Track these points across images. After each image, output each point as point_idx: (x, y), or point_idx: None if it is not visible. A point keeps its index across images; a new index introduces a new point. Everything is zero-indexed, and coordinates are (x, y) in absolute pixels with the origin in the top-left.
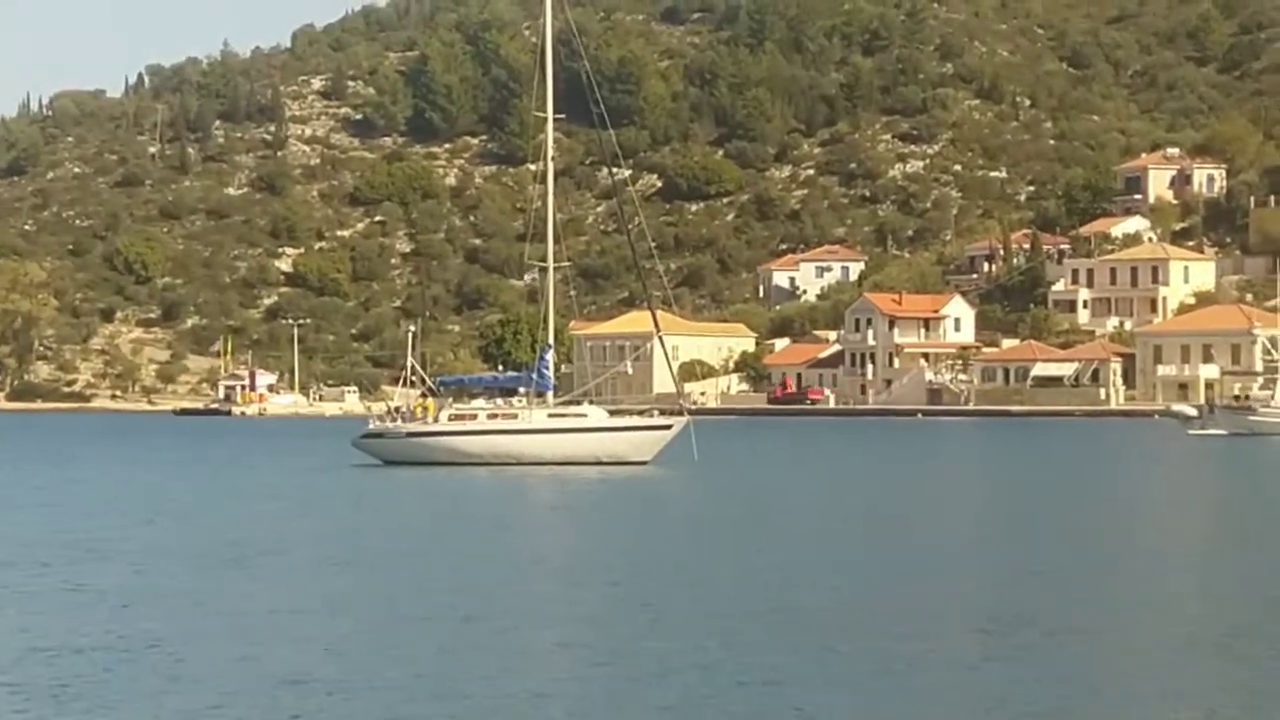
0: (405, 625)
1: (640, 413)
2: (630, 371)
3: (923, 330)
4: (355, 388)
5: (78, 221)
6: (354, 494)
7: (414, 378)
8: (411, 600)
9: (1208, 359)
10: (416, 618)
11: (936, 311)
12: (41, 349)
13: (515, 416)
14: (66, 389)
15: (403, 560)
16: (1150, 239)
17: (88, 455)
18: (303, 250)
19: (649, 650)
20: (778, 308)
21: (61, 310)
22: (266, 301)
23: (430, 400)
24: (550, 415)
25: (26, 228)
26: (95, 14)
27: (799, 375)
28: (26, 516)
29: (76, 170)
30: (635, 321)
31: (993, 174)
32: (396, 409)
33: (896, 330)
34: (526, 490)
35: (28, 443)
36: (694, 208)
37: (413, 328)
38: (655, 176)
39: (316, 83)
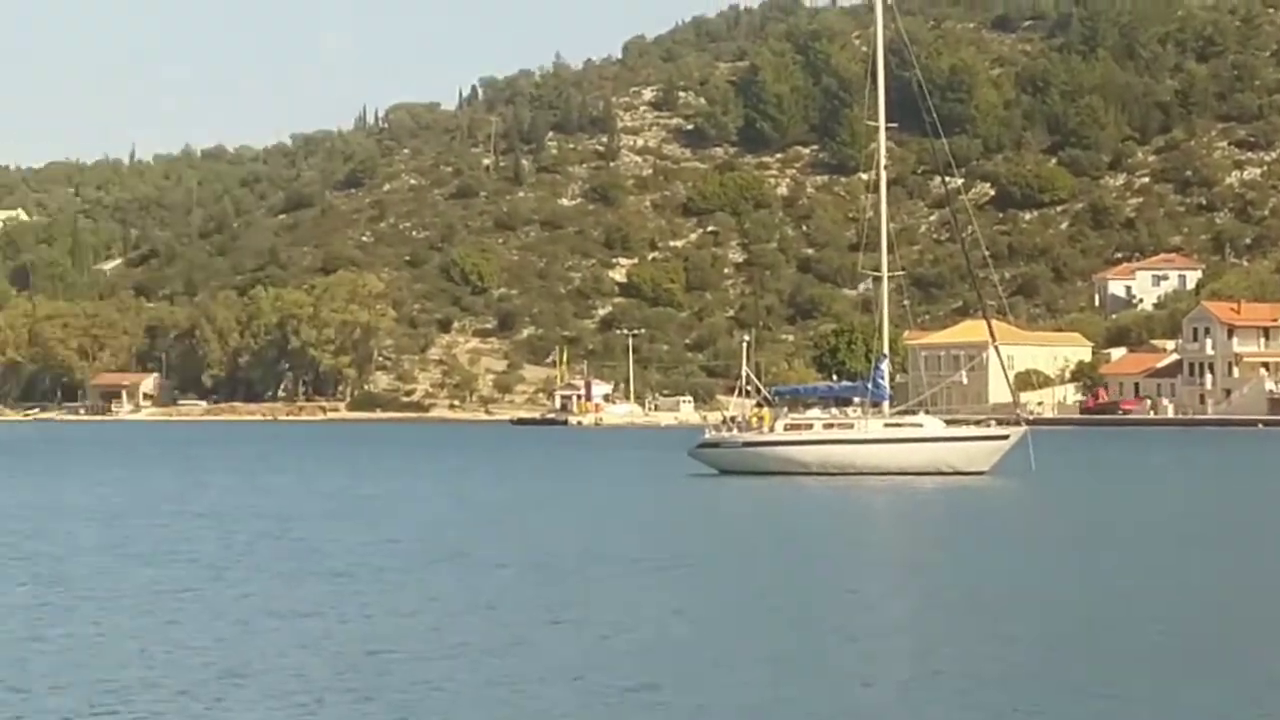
0: (751, 636)
1: (976, 423)
2: (965, 381)
3: (1262, 339)
4: (689, 397)
5: (414, 233)
6: (690, 503)
7: (749, 387)
8: (750, 607)
9: None
10: (763, 627)
11: (1276, 320)
12: (380, 359)
13: (851, 426)
14: (405, 399)
15: (741, 569)
16: None
17: (428, 465)
18: (636, 260)
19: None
20: (1113, 317)
21: (399, 321)
22: (601, 311)
23: (766, 410)
24: (886, 425)
25: (364, 239)
26: (430, 28)
27: (1136, 385)
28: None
29: (412, 182)
30: (970, 331)
31: None
32: (732, 419)
33: (1235, 339)
34: (864, 501)
35: (369, 454)
36: (1027, 216)
37: (747, 337)
38: (988, 185)
39: (648, 93)
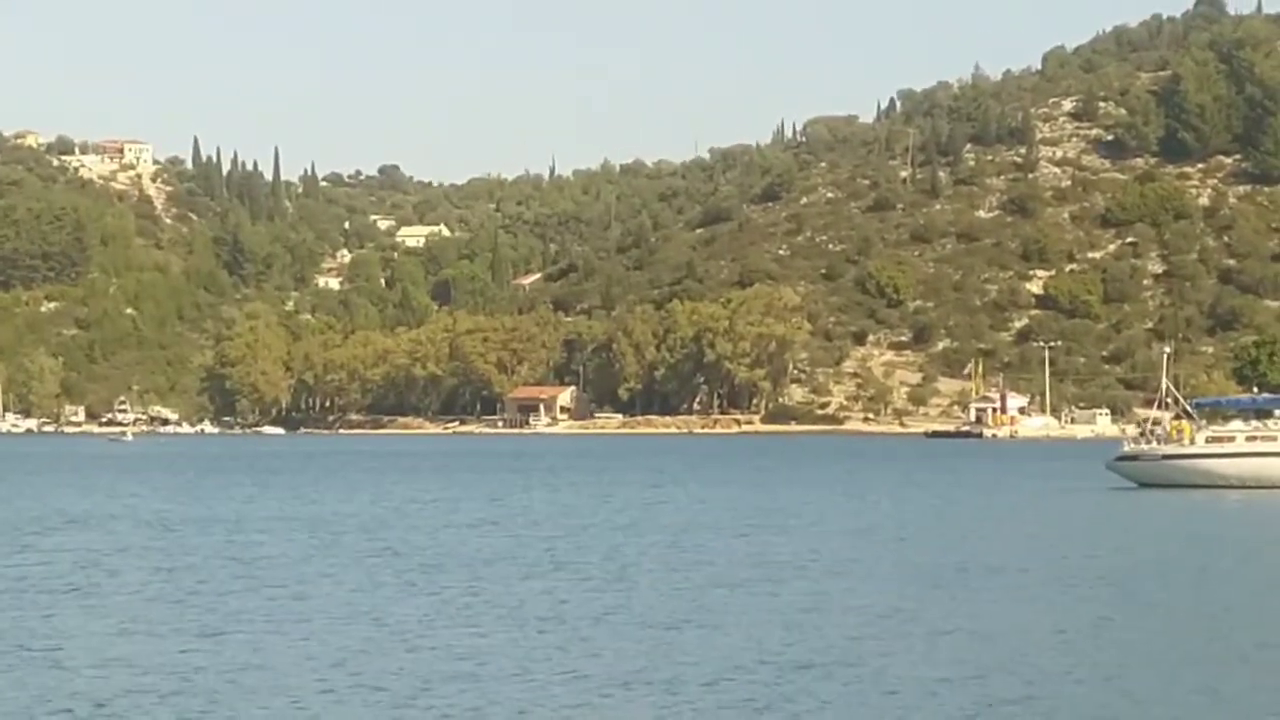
0: (1170, 656)
1: None
2: None
3: None
4: (1106, 410)
5: (830, 246)
6: (1107, 516)
7: (1168, 400)
8: (1169, 628)
9: None
10: (1188, 652)
11: None
12: (795, 372)
13: (1276, 439)
14: (819, 411)
15: (1158, 585)
16: None
17: (837, 476)
18: (1053, 272)
19: None
20: None
21: (814, 334)
22: (1017, 324)
23: (1186, 423)
24: None
25: (780, 253)
26: (848, 41)
27: None
28: (779, 538)
29: (829, 195)
30: None
31: None
32: (1150, 431)
33: None
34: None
35: (785, 465)
36: None
37: (1167, 349)
38: None
39: (1067, 104)
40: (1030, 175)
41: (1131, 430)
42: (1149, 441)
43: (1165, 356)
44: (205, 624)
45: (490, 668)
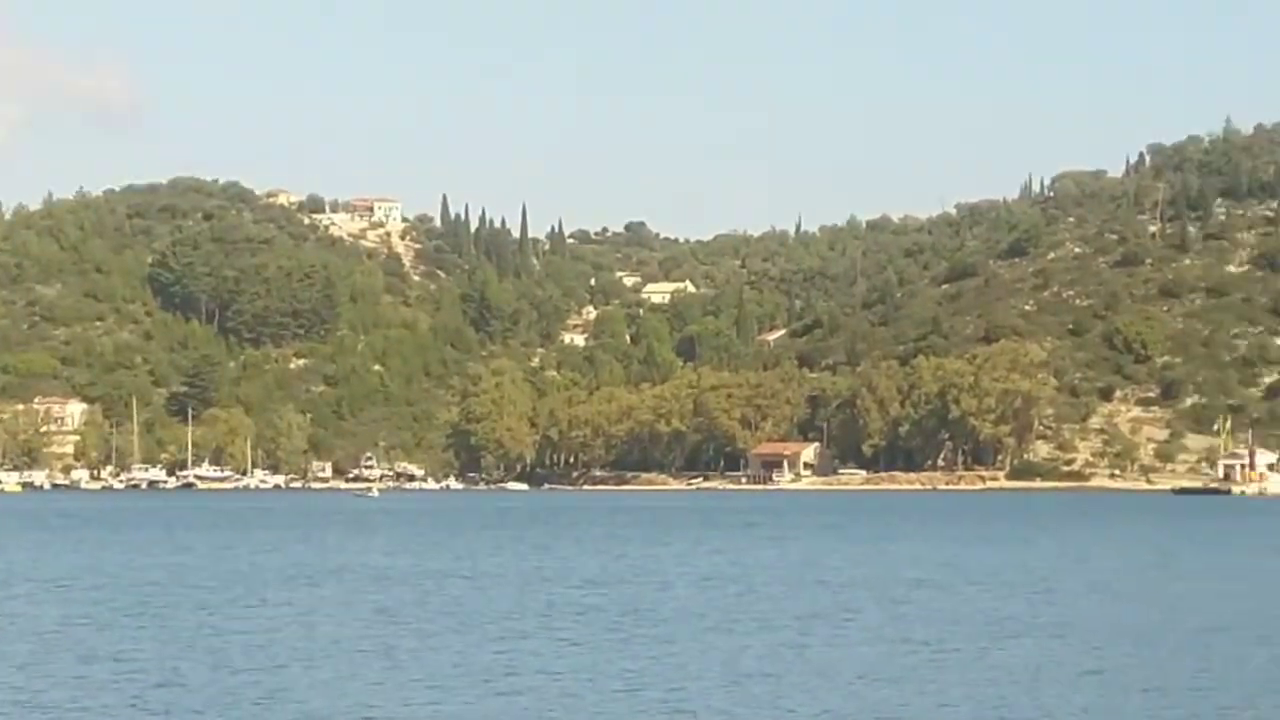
0: None
1: None
2: None
3: None
4: None
5: (1077, 301)
6: None
7: None
8: None
9: None
10: None
11: None
12: (1041, 428)
13: None
14: (1065, 468)
15: None
16: None
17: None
18: None
19: None
20: None
21: (1060, 389)
22: (1267, 379)
23: None
24: None
25: (1026, 308)
26: (1098, 96)
27: None
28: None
29: (1076, 250)
30: None
31: None
32: None
33: None
34: None
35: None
36: None
37: None
38: None
39: None
40: None
41: None
42: None
43: None
44: None
45: None
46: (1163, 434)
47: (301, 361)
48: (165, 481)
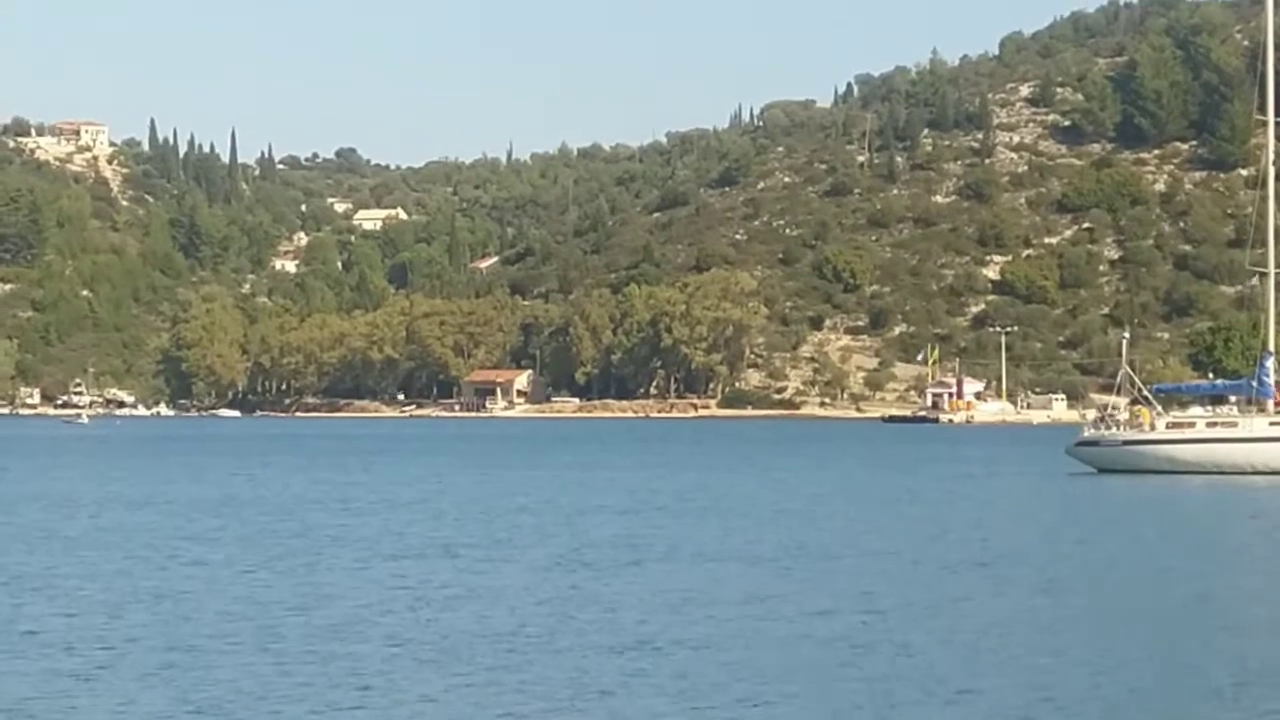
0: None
1: None
2: None
3: None
4: (1062, 395)
5: (787, 230)
6: (1064, 501)
7: (1126, 385)
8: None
9: None
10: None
11: None
12: (752, 356)
13: (1235, 425)
14: (776, 396)
15: (1127, 574)
16: None
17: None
18: (1010, 258)
19: None
20: None
21: (771, 318)
22: (974, 309)
23: (1145, 408)
24: (1272, 423)
25: (737, 237)
26: (806, 27)
27: None
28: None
29: (786, 180)
30: None
31: None
32: (1109, 417)
33: None
34: (1253, 500)
35: (742, 450)
36: None
37: (1125, 335)
38: None
39: (1024, 90)
40: (987, 160)
41: (1091, 415)
42: (1108, 427)
43: (1124, 342)
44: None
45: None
46: (872, 362)
47: (8, 287)
48: None
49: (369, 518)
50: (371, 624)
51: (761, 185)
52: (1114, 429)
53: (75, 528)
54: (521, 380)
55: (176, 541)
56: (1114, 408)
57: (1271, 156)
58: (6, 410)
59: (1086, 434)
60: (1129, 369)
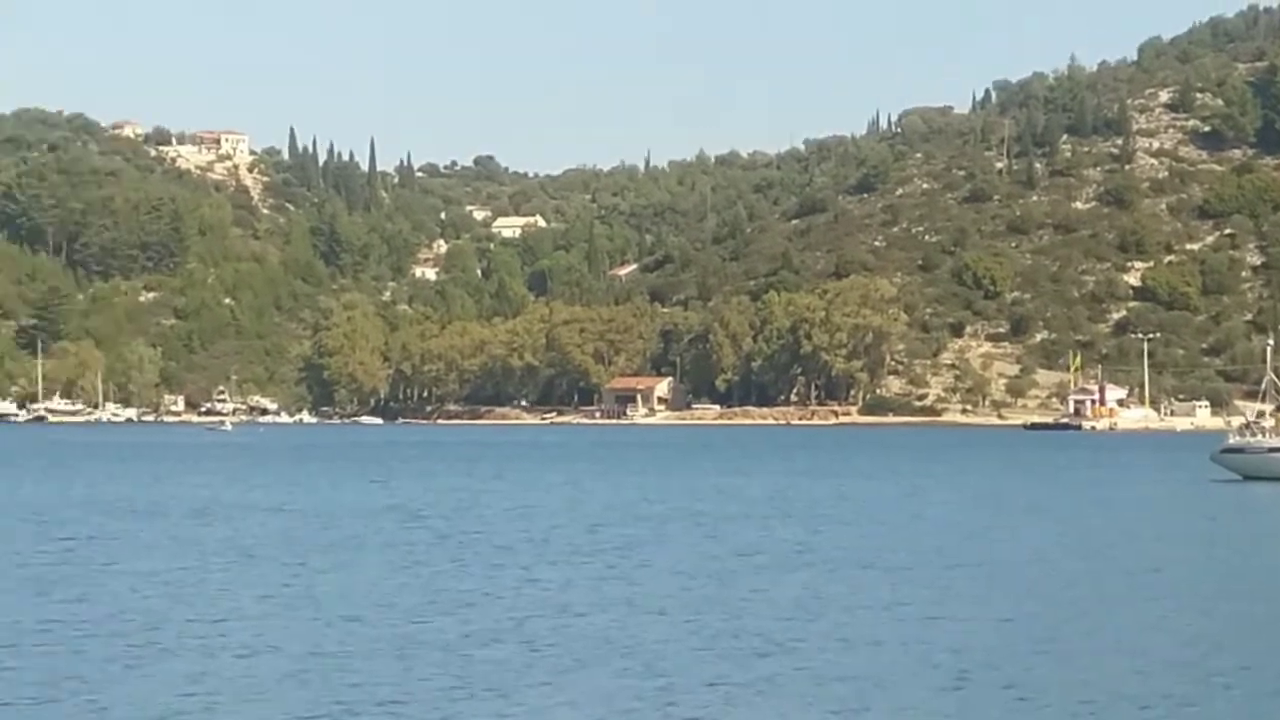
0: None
1: None
2: None
3: None
4: (1205, 402)
5: (926, 237)
6: (1213, 509)
7: (1272, 392)
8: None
9: None
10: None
11: None
12: (892, 363)
13: None
14: (917, 403)
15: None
16: None
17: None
18: (1151, 264)
19: None
20: None
21: (911, 325)
22: (1115, 316)
23: None
24: None
25: (876, 244)
26: (944, 33)
27: None
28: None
29: (925, 186)
30: None
31: None
32: (1254, 424)
33: None
34: None
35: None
36: None
37: (1269, 341)
38: None
39: (1164, 95)
40: (1127, 166)
41: (1236, 423)
42: (1254, 434)
43: (1268, 349)
44: None
45: None
46: (1013, 369)
47: (151, 294)
48: (16, 415)
49: (508, 523)
50: (510, 629)
51: (900, 191)
52: (1260, 436)
53: (216, 534)
54: (662, 387)
55: (315, 550)
56: (1259, 415)
57: None
58: (151, 418)
59: (1232, 441)
60: (1274, 376)
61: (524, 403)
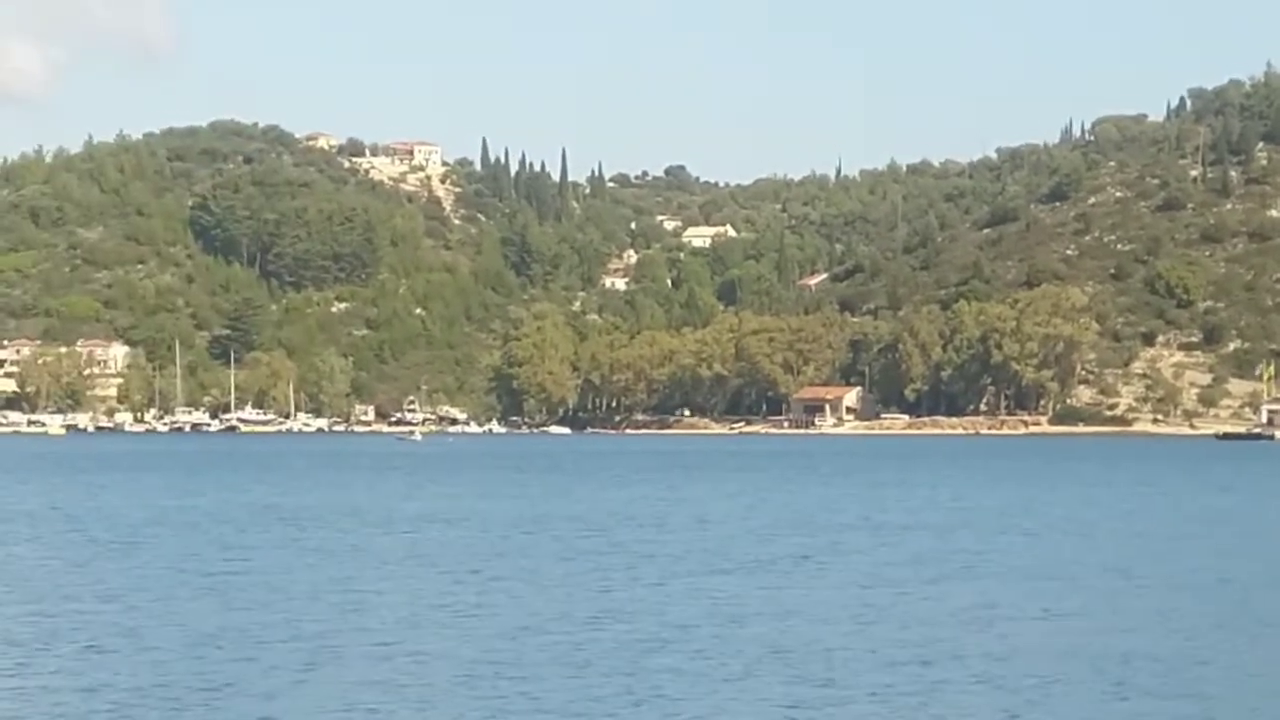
0: None
1: None
2: None
3: None
4: None
5: (1119, 246)
6: None
7: None
8: None
9: None
10: None
11: None
12: (1083, 373)
13: None
14: (1108, 413)
15: None
16: None
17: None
18: None
19: None
20: None
21: (1103, 334)
22: None
23: None
24: None
25: (1068, 252)
26: (1138, 40)
27: None
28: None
29: (1118, 195)
30: None
31: None
32: None
33: None
34: None
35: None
36: None
37: None
38: None
39: None
40: None
41: None
42: None
43: None
44: None
45: None
46: (1205, 379)
47: (343, 305)
48: (208, 425)
49: (683, 533)
50: (676, 639)
51: (1092, 200)
52: None
53: (387, 543)
54: (850, 397)
55: (488, 558)
56: None
57: None
58: (342, 427)
59: None
60: None
61: (713, 413)
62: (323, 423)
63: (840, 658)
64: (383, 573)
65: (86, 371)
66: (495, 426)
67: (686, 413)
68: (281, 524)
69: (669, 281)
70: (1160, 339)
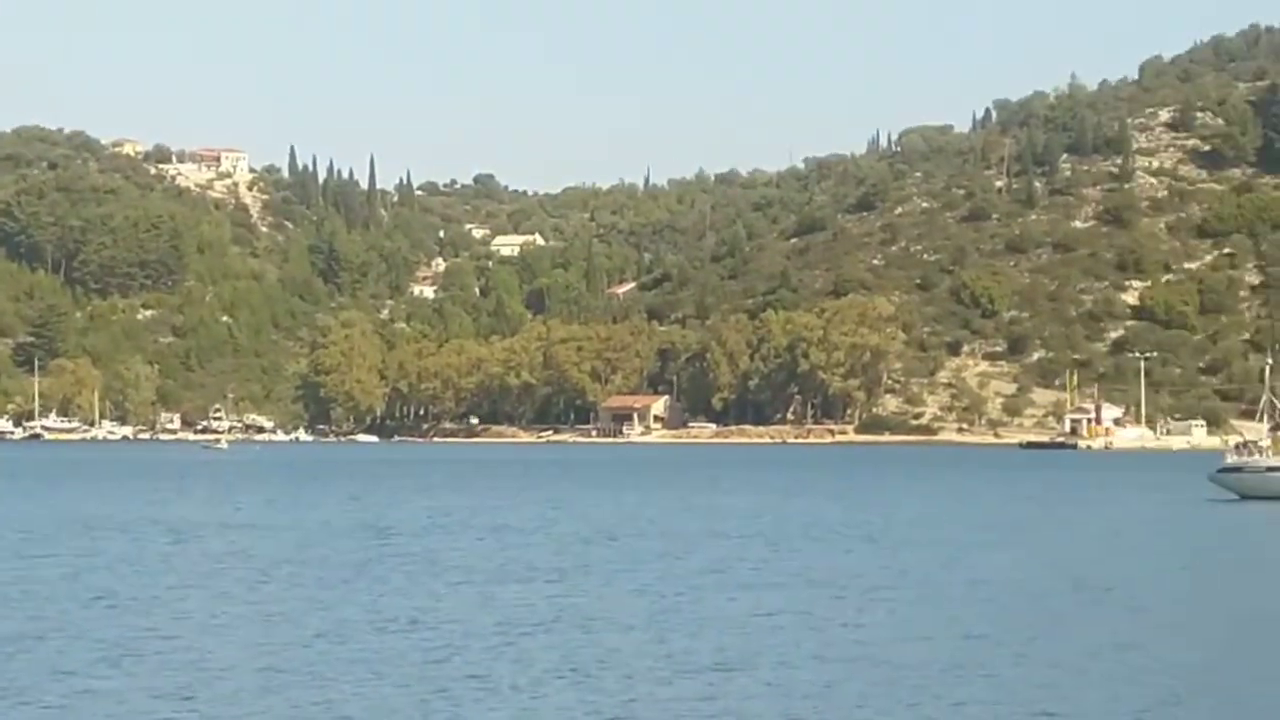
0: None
1: None
2: None
3: None
4: (1202, 422)
5: (925, 255)
6: (1212, 528)
7: (1270, 411)
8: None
9: None
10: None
11: None
12: (889, 382)
13: None
14: (914, 422)
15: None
16: None
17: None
18: (1149, 283)
19: None
20: None
21: (909, 344)
22: (1112, 335)
23: None
24: None
25: (875, 262)
26: (944, 52)
27: None
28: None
29: (924, 205)
30: None
31: None
32: (1251, 443)
33: None
34: None
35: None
36: None
37: (1268, 361)
38: None
39: (1164, 114)
40: (1126, 185)
41: (1233, 442)
42: (1251, 454)
43: (1266, 368)
44: None
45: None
46: (1010, 388)
47: (149, 312)
48: (12, 432)
49: (485, 541)
50: (470, 647)
51: (899, 210)
52: (1257, 455)
53: (179, 551)
54: (658, 406)
55: (294, 566)
56: (1257, 435)
57: None
58: (147, 435)
59: (1229, 460)
60: (1272, 395)
61: (521, 421)
62: (128, 431)
63: (636, 666)
64: (173, 580)
65: None
66: (302, 435)
67: (475, 420)
68: (80, 533)
69: (477, 290)
70: (965, 349)
